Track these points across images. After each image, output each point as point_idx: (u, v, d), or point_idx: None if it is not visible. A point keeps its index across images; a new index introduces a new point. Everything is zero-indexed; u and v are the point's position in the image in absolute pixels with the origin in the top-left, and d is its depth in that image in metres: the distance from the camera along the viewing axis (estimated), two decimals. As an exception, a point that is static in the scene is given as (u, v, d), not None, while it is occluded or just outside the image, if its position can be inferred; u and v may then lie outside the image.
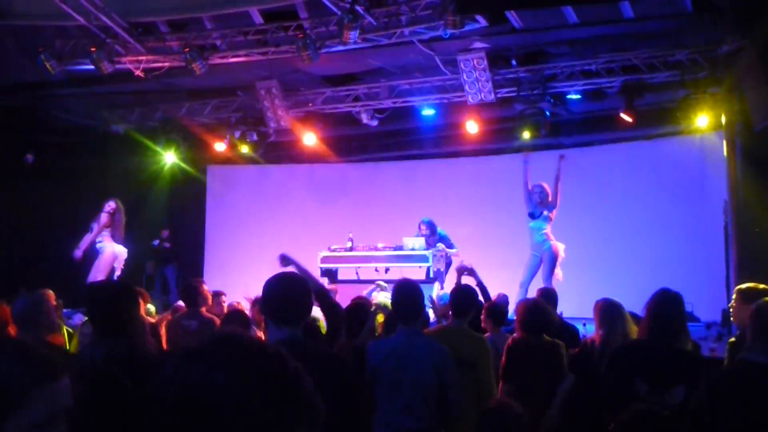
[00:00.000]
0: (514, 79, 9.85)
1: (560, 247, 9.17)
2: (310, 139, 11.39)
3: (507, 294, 7.60)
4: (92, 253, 9.03)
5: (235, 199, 13.43)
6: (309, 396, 1.11)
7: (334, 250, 10.08)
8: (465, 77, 9.54)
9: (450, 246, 9.76)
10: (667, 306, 3.64)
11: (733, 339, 4.38)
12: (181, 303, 6.44)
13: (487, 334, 5.17)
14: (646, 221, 10.75)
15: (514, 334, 4.83)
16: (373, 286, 8.32)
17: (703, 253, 9.94)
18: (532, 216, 9.20)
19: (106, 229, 9.00)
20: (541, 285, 8.14)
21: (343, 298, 6.38)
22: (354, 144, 12.93)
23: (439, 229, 9.83)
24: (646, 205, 10.81)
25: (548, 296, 5.95)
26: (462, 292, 4.77)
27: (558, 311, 5.97)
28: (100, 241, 9.00)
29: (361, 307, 5.04)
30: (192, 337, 5.33)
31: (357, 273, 10.07)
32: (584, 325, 6.76)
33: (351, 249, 10.03)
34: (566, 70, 9.70)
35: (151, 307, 6.98)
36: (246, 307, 6.26)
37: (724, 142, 9.54)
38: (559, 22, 8.27)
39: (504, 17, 8.19)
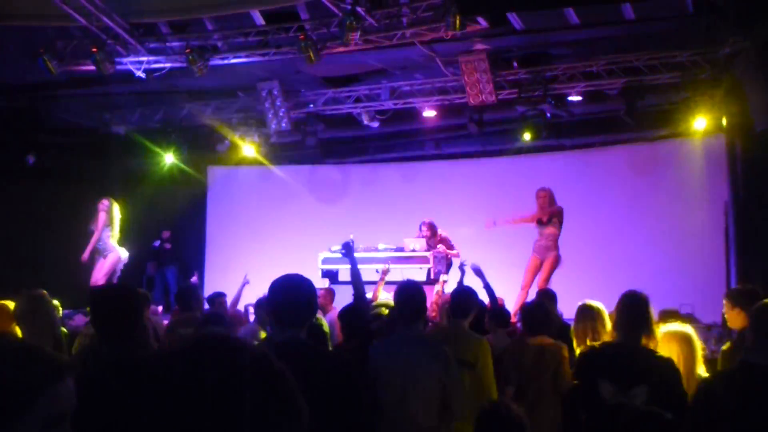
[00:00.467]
0: (515, 80, 9.87)
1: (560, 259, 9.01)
2: (311, 140, 11.41)
3: (503, 298, 7.57)
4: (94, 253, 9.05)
5: (235, 200, 13.42)
6: (293, 396, 1.13)
7: (334, 252, 10.07)
8: (466, 78, 9.55)
9: (451, 247, 9.75)
10: (632, 307, 3.68)
11: (726, 346, 4.35)
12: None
13: (488, 336, 5.17)
14: (647, 223, 10.74)
15: (515, 336, 4.83)
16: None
17: (704, 255, 9.93)
18: (540, 222, 9.07)
19: (106, 228, 9.02)
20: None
21: (343, 298, 6.38)
22: (355, 145, 12.94)
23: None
24: (647, 207, 10.81)
25: (549, 297, 5.97)
26: (463, 293, 4.77)
27: (558, 311, 5.98)
28: (102, 241, 9.01)
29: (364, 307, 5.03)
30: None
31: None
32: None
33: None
34: (567, 72, 9.70)
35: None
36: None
37: (725, 144, 9.54)
38: (560, 23, 8.27)
39: (505, 19, 8.19)
